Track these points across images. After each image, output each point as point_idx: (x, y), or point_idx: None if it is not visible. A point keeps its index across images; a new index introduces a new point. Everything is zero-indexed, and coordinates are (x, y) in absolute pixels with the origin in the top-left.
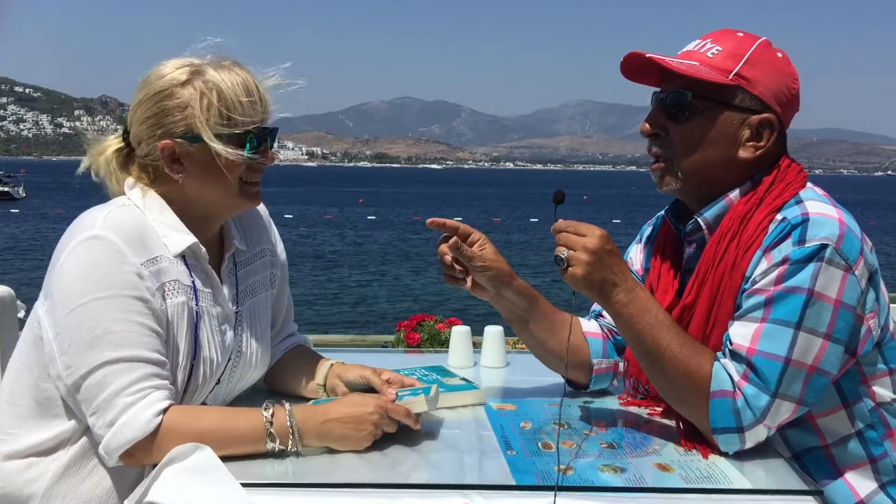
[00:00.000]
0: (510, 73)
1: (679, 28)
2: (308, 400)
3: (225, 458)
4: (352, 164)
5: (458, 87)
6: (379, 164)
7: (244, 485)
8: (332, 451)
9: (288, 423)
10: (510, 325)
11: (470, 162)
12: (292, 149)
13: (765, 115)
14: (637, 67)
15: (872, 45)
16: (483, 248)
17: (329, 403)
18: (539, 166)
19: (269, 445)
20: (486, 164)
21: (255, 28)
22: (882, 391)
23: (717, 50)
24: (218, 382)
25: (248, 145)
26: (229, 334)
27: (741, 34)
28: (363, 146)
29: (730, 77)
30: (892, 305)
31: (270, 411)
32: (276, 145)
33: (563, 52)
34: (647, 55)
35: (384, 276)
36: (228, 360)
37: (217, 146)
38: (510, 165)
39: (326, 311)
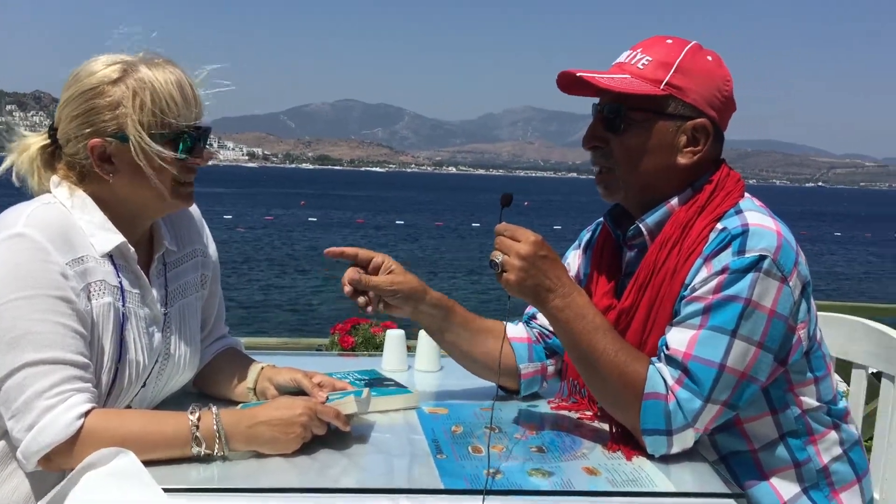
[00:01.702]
0: (454, 77)
1: (621, 35)
2: (238, 403)
3: (149, 463)
4: (293, 166)
5: (402, 91)
6: (321, 167)
7: (167, 490)
8: (259, 456)
9: (214, 427)
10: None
11: (413, 166)
12: (233, 149)
13: (699, 120)
14: (572, 83)
15: (808, 59)
16: (389, 271)
17: (257, 407)
18: (482, 171)
19: (195, 450)
20: (428, 168)
21: (196, 26)
22: (808, 399)
23: (647, 60)
24: (144, 385)
25: (181, 145)
26: (157, 336)
27: (670, 41)
28: (305, 148)
29: (661, 87)
30: (819, 314)
31: (197, 415)
32: (216, 145)
33: (506, 58)
34: (578, 73)
35: (323, 278)
36: (156, 363)
37: (150, 146)
38: (453, 170)
39: (263, 314)
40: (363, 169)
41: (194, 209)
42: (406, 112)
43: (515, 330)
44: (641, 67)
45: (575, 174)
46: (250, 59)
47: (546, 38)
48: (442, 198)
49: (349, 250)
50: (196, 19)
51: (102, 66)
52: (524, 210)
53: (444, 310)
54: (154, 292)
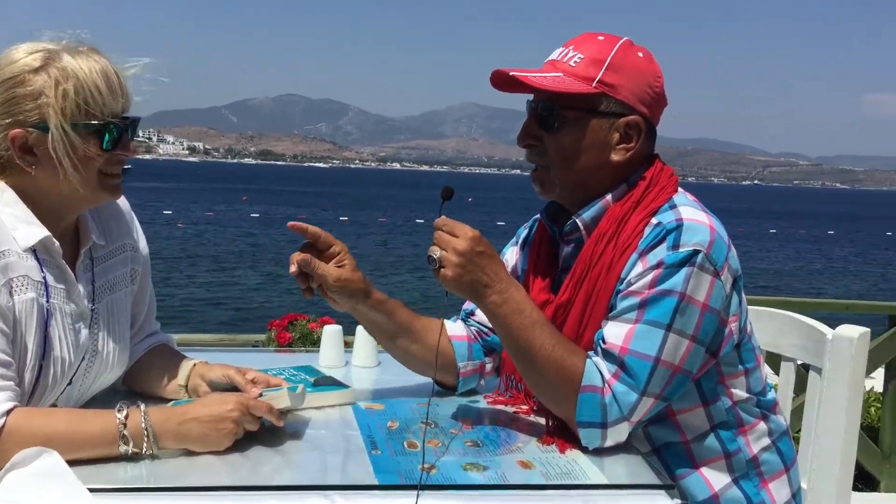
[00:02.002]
0: (398, 73)
1: (559, 33)
2: (169, 401)
3: (75, 463)
4: (235, 161)
5: (346, 86)
6: (264, 162)
7: (93, 490)
8: (190, 454)
9: (143, 425)
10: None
11: (357, 161)
12: (173, 143)
13: (631, 117)
14: (506, 81)
15: (746, 60)
16: (341, 264)
17: (187, 404)
18: (426, 167)
19: (122, 448)
20: (372, 163)
21: (132, 18)
22: (738, 391)
23: (579, 58)
24: (70, 383)
25: (107, 136)
26: (84, 333)
27: (602, 38)
28: (247, 142)
29: (593, 85)
30: (750, 308)
31: (124, 413)
32: (155, 139)
33: (450, 55)
34: (511, 73)
35: (264, 274)
36: (82, 360)
37: (74, 137)
38: (397, 166)
39: (203, 310)
40: (306, 164)
41: (123, 203)
42: (350, 107)
43: (455, 328)
44: (573, 65)
45: (518, 171)
46: (190, 51)
47: (490, 35)
48: (386, 194)
49: (313, 228)
50: (132, 10)
51: (24, 55)
52: (468, 206)
53: (385, 312)
54: (80, 288)
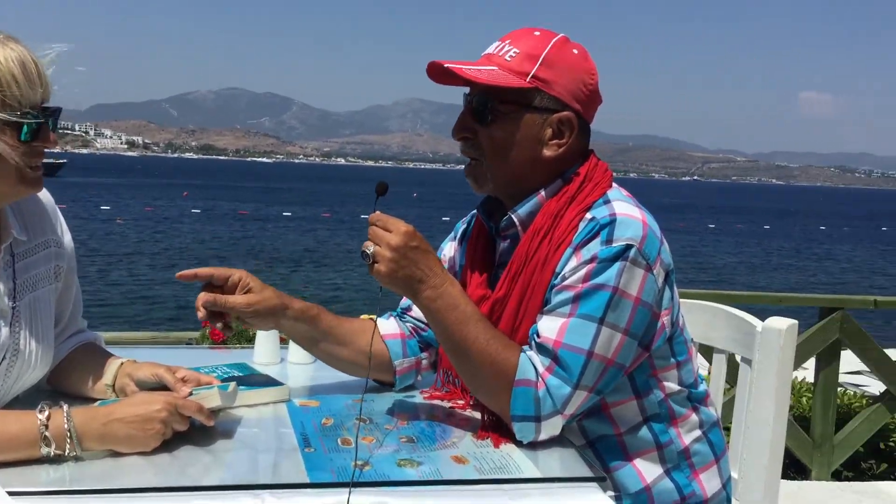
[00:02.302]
0: (342, 68)
1: (505, 28)
2: (95, 401)
3: None
4: (176, 155)
5: (289, 80)
6: (205, 156)
7: (13, 494)
8: (115, 455)
9: (65, 426)
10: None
11: (301, 156)
12: (111, 137)
13: (564, 113)
14: (442, 74)
15: (684, 58)
16: (247, 289)
17: (113, 403)
18: (371, 163)
19: (44, 450)
20: (317, 158)
21: (70, 11)
22: (670, 383)
23: (514, 52)
24: None
25: (25, 128)
26: (4, 331)
27: (538, 33)
28: (188, 137)
29: (527, 80)
30: (683, 301)
31: (46, 413)
32: (92, 132)
33: (395, 49)
34: (446, 65)
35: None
36: (3, 360)
37: None
38: (342, 161)
39: (140, 308)
40: (249, 159)
41: (46, 196)
42: (294, 102)
43: (388, 326)
44: (509, 59)
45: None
46: (127, 42)
47: (435, 29)
48: (331, 189)
49: (203, 272)
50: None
51: None
52: (414, 202)
53: (308, 320)
54: (0, 285)
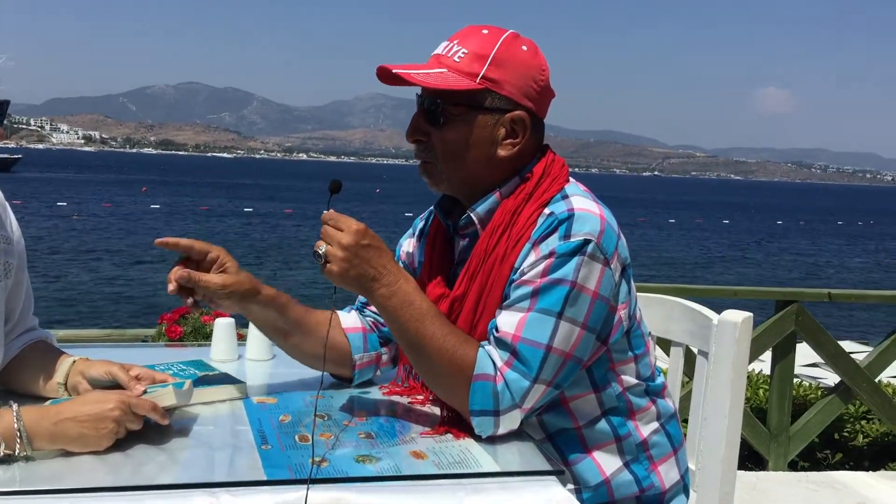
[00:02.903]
0: (303, 63)
1: (460, 20)
2: (47, 400)
3: None
4: (135, 151)
5: (250, 75)
6: (164, 152)
7: None
8: (67, 454)
9: (15, 426)
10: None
11: (262, 152)
12: (67, 132)
13: (516, 112)
14: (392, 77)
15: (645, 54)
16: (222, 268)
17: (64, 402)
18: (333, 158)
19: None
20: (278, 154)
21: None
22: (627, 377)
23: (462, 53)
24: None
25: None
26: None
27: (486, 31)
28: (147, 132)
29: (477, 81)
30: (641, 295)
31: None
32: (48, 127)
33: (356, 44)
34: (394, 70)
35: (160, 266)
36: None
37: None
38: (303, 157)
39: (96, 305)
40: (209, 154)
41: None
42: (254, 97)
43: (349, 319)
44: (458, 60)
45: None
46: (81, 35)
47: (396, 24)
48: (293, 185)
49: (183, 242)
50: None
51: None
52: (376, 197)
53: (277, 308)
54: None
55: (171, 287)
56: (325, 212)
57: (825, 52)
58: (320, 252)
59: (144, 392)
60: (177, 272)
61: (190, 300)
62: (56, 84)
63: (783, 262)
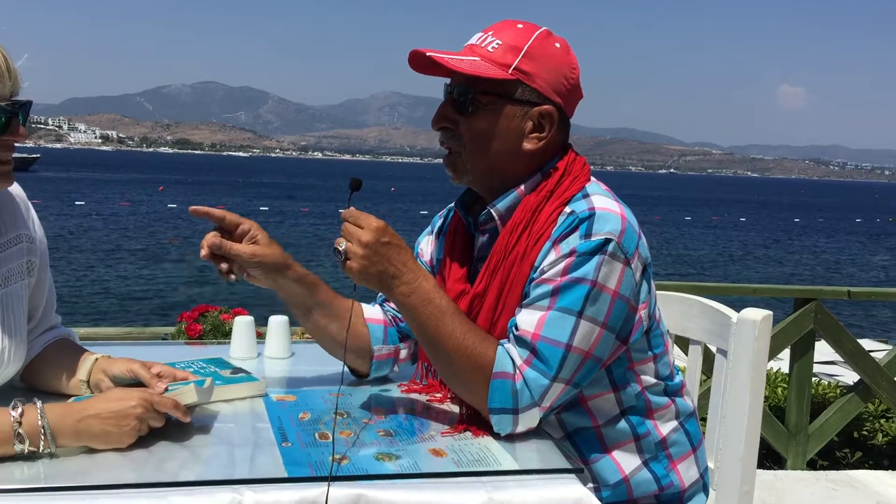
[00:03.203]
0: (318, 62)
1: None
2: (70, 397)
3: None
4: (151, 150)
5: (266, 74)
6: (181, 151)
7: None
8: (91, 451)
9: (39, 423)
10: (292, 312)
11: (277, 150)
12: (84, 132)
13: (545, 106)
14: (424, 63)
15: (661, 52)
16: (254, 240)
17: (87, 399)
18: (348, 157)
19: (18, 447)
20: (293, 153)
21: (44, 6)
22: (647, 376)
23: (497, 44)
24: None
25: None
26: None
27: (521, 25)
28: (164, 131)
29: (509, 71)
30: (659, 293)
31: (19, 410)
32: (66, 127)
33: (372, 43)
34: (428, 53)
35: (180, 265)
36: None
37: None
38: (319, 155)
39: (116, 303)
40: (225, 153)
41: (17, 190)
42: (270, 96)
43: (372, 311)
44: (491, 51)
45: (441, 160)
46: (99, 36)
47: (413, 22)
48: (309, 183)
49: (216, 211)
50: None
51: None
52: (391, 196)
53: (307, 286)
54: None
55: (204, 252)
56: (345, 209)
57: (841, 47)
58: (340, 249)
59: (166, 390)
60: (209, 238)
61: (225, 265)
62: (74, 84)
63: (803, 259)
